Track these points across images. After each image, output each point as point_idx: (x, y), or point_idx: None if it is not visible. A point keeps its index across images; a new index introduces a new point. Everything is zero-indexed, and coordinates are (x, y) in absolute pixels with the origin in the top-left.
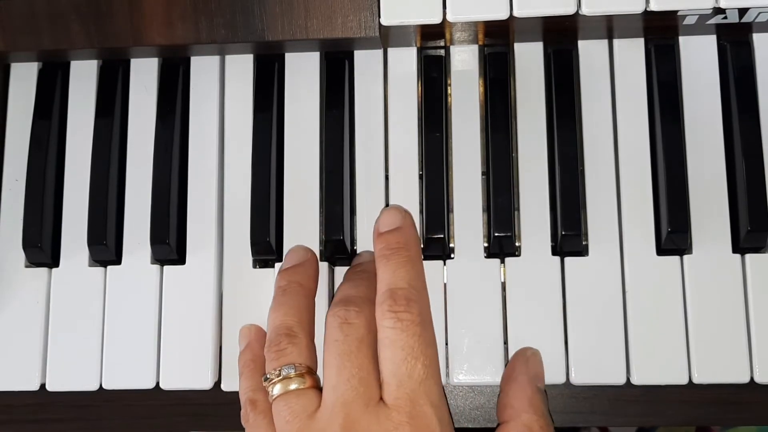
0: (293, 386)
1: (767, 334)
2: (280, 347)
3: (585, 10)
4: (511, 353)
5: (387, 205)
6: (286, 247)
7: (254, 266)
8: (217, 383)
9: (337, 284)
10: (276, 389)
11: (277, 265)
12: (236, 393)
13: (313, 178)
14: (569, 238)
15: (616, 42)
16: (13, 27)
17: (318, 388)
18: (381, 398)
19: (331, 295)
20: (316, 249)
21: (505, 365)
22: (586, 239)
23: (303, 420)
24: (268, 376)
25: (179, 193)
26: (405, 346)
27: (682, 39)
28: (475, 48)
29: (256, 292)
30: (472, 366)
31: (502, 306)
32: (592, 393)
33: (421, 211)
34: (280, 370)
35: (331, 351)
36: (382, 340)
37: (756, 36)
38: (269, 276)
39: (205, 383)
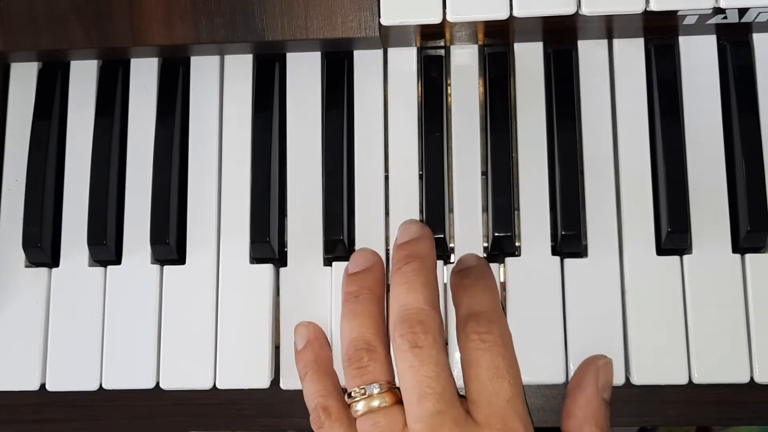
0: (377, 403)
1: (767, 334)
2: (362, 363)
3: (585, 10)
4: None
5: (387, 205)
6: (287, 247)
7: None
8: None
9: (336, 284)
10: (360, 406)
11: (280, 267)
12: (235, 392)
13: (313, 178)
14: (569, 238)
15: (616, 42)
16: (13, 27)
17: (401, 403)
18: (468, 415)
19: (331, 296)
20: (316, 249)
21: None
22: (586, 239)
23: None
24: (351, 394)
25: (179, 193)
26: (491, 366)
27: (682, 39)
28: (475, 48)
29: (256, 292)
30: None
31: (502, 305)
32: None
33: (421, 211)
34: (365, 389)
35: (409, 378)
36: (468, 361)
37: (756, 36)
38: (269, 276)
39: (205, 383)
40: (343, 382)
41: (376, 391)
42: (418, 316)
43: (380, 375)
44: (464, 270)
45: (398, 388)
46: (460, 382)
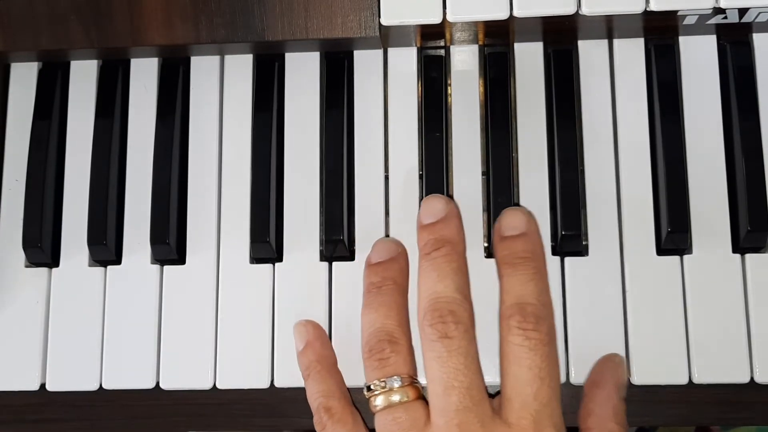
0: (398, 398)
1: (767, 334)
2: (383, 355)
3: (585, 10)
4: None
5: (386, 205)
6: (286, 247)
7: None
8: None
9: (336, 284)
10: (379, 401)
11: (278, 265)
12: (234, 392)
13: (313, 178)
14: (569, 238)
15: (616, 42)
16: (13, 27)
17: (423, 398)
18: (497, 414)
19: (331, 296)
20: (316, 249)
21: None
22: (586, 239)
23: None
24: (371, 387)
25: (179, 193)
26: (532, 366)
27: (682, 39)
28: (475, 48)
29: (256, 292)
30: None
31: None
32: None
33: None
34: (385, 381)
35: (435, 369)
36: (507, 356)
37: (756, 36)
38: (268, 276)
39: (205, 383)
40: (350, 382)
41: (396, 384)
42: (449, 305)
43: (402, 368)
44: (515, 239)
45: (420, 384)
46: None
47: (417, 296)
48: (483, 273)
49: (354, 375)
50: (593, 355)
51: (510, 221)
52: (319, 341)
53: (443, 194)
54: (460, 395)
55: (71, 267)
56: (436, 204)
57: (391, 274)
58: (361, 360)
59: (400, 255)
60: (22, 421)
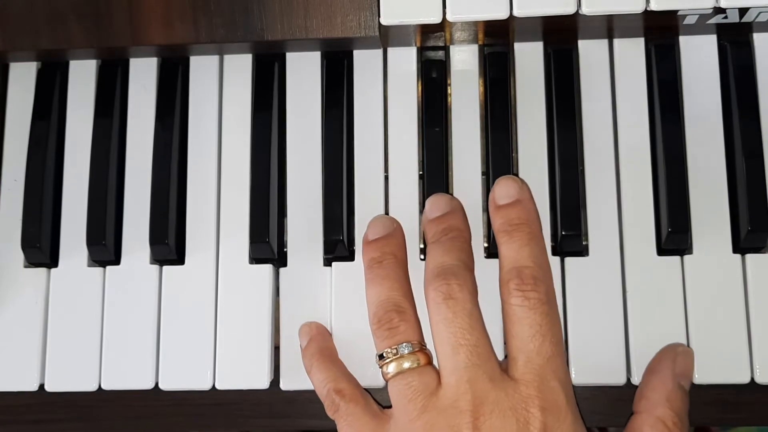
0: (409, 364)
1: (767, 335)
2: (392, 324)
3: (585, 10)
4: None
5: (386, 205)
6: (286, 248)
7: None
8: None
9: (336, 284)
10: (391, 368)
11: (279, 267)
12: (234, 393)
13: (313, 178)
14: (569, 238)
15: (616, 42)
16: (11, 27)
17: (433, 364)
18: (504, 371)
19: (331, 296)
20: (316, 249)
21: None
22: (586, 239)
23: (426, 398)
24: (383, 355)
25: (178, 193)
26: (533, 324)
27: (682, 39)
28: (475, 48)
29: (255, 293)
30: None
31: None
32: (592, 393)
33: (421, 211)
34: (396, 349)
35: (442, 330)
36: (509, 317)
37: (756, 36)
38: (268, 276)
39: (205, 384)
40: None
41: (407, 351)
42: (452, 270)
43: (411, 335)
44: (508, 207)
45: (429, 350)
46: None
47: (423, 276)
48: (484, 273)
49: (356, 375)
50: (593, 355)
51: (503, 190)
52: (320, 336)
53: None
54: (468, 353)
55: (70, 267)
56: (441, 201)
57: (390, 249)
58: (363, 359)
59: (397, 230)
60: (22, 421)
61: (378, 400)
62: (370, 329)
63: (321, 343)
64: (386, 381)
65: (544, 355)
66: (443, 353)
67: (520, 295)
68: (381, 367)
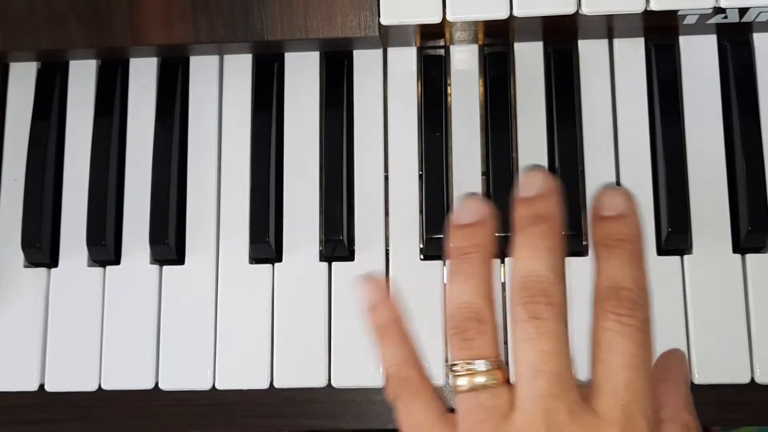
0: (483, 380)
1: (767, 334)
2: (468, 336)
3: (585, 10)
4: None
5: (386, 205)
6: (286, 247)
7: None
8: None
9: (335, 284)
10: (462, 382)
11: (278, 265)
12: (234, 393)
13: (313, 178)
14: (570, 238)
15: (616, 42)
16: (12, 27)
17: (509, 382)
18: (585, 399)
19: (330, 295)
20: (316, 249)
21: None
22: (587, 239)
23: (497, 422)
24: (455, 367)
25: (178, 192)
26: (626, 354)
27: (682, 39)
28: (475, 48)
29: (255, 292)
30: None
31: (501, 306)
32: None
33: (421, 211)
34: (471, 363)
35: (525, 351)
36: (599, 341)
37: (756, 36)
38: (268, 276)
39: (205, 383)
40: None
41: (482, 368)
42: (541, 284)
43: (488, 350)
44: (612, 220)
45: (506, 367)
46: None
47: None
48: None
49: (356, 375)
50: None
51: (609, 201)
52: (392, 301)
53: (443, 194)
54: (548, 380)
55: (70, 267)
56: (536, 180)
57: (480, 240)
58: (362, 359)
59: (490, 219)
60: (22, 421)
61: (377, 400)
62: (446, 330)
63: (395, 312)
64: (455, 393)
65: (634, 390)
66: (522, 376)
67: (616, 319)
68: (451, 376)
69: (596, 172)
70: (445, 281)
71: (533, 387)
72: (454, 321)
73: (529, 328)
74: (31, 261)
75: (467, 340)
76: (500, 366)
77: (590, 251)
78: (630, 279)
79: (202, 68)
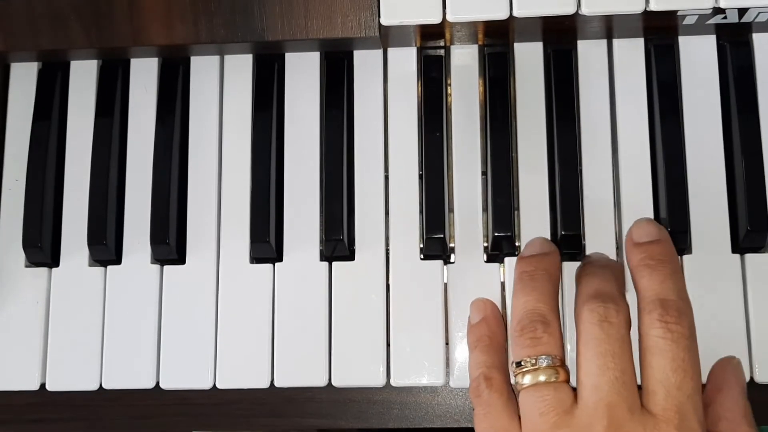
0: (545, 377)
1: (767, 334)
2: (536, 334)
3: (585, 10)
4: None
5: (386, 205)
6: (286, 247)
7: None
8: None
9: (335, 284)
10: (527, 378)
11: (278, 265)
12: (235, 392)
13: (313, 178)
14: (569, 238)
15: (615, 42)
16: (12, 27)
17: (570, 382)
18: (642, 405)
19: (330, 295)
20: (316, 249)
21: None
22: (586, 239)
23: (560, 415)
24: (521, 363)
25: (179, 192)
26: (675, 358)
27: (681, 39)
28: (475, 48)
29: (256, 292)
30: None
31: (502, 306)
32: None
33: (421, 211)
34: (536, 359)
35: (592, 348)
36: (649, 348)
37: (756, 36)
38: (268, 276)
39: (205, 383)
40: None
41: (546, 363)
42: (611, 296)
43: (553, 348)
44: (650, 244)
45: (567, 367)
46: None
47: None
48: (483, 274)
49: (356, 374)
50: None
51: (643, 230)
52: (495, 320)
53: (443, 194)
54: (613, 377)
55: (71, 267)
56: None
57: (543, 264)
58: (362, 360)
59: (554, 252)
60: (23, 420)
61: (377, 399)
62: (510, 336)
63: (494, 327)
64: (518, 392)
65: (685, 391)
66: (587, 371)
67: (663, 327)
68: (515, 375)
69: (596, 173)
70: (446, 281)
71: (598, 381)
72: (522, 323)
73: (597, 329)
74: (32, 261)
75: (534, 338)
76: (563, 364)
77: (589, 251)
78: (674, 291)
79: (202, 68)
